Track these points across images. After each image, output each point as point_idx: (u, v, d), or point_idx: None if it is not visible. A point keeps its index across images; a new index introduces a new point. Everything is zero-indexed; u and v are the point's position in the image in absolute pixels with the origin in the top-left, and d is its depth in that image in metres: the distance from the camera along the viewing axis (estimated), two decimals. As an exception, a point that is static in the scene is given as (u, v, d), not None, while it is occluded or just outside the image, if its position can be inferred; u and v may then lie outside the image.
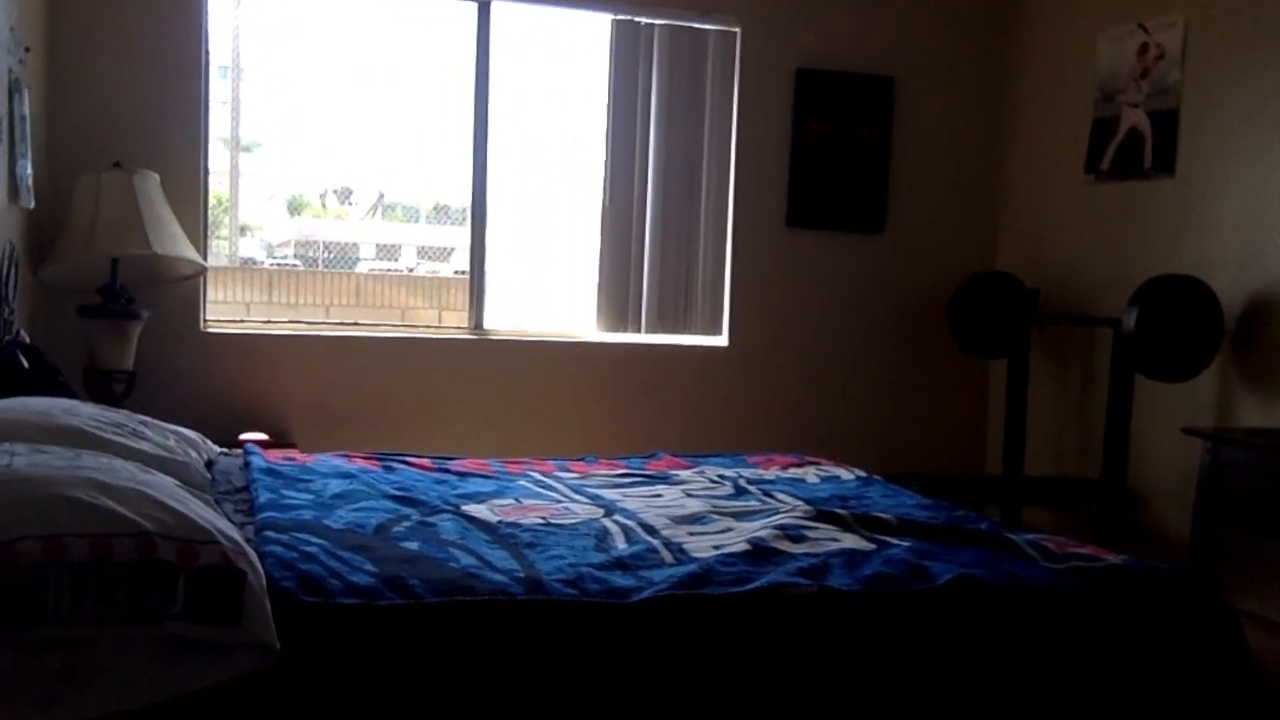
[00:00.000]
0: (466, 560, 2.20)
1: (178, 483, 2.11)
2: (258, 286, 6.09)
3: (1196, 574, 2.41)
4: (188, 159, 4.28)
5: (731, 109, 4.96)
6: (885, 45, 5.05)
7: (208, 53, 4.36)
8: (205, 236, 4.39)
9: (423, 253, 7.28)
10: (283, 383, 4.45)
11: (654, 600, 2.03)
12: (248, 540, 2.00)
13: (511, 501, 2.82)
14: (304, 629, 1.82)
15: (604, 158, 4.93)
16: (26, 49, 3.59)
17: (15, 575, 1.60)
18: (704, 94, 4.97)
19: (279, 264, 6.64)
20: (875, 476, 3.39)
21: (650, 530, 2.54)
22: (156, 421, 2.88)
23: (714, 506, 2.81)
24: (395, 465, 3.22)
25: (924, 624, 2.12)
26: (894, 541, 2.50)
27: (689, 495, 2.98)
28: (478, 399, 4.67)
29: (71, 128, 4.13)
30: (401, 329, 4.87)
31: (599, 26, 4.90)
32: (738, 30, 4.93)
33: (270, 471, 2.94)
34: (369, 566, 2.08)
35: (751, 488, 3.08)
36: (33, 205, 3.71)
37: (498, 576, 2.09)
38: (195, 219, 4.27)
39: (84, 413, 2.60)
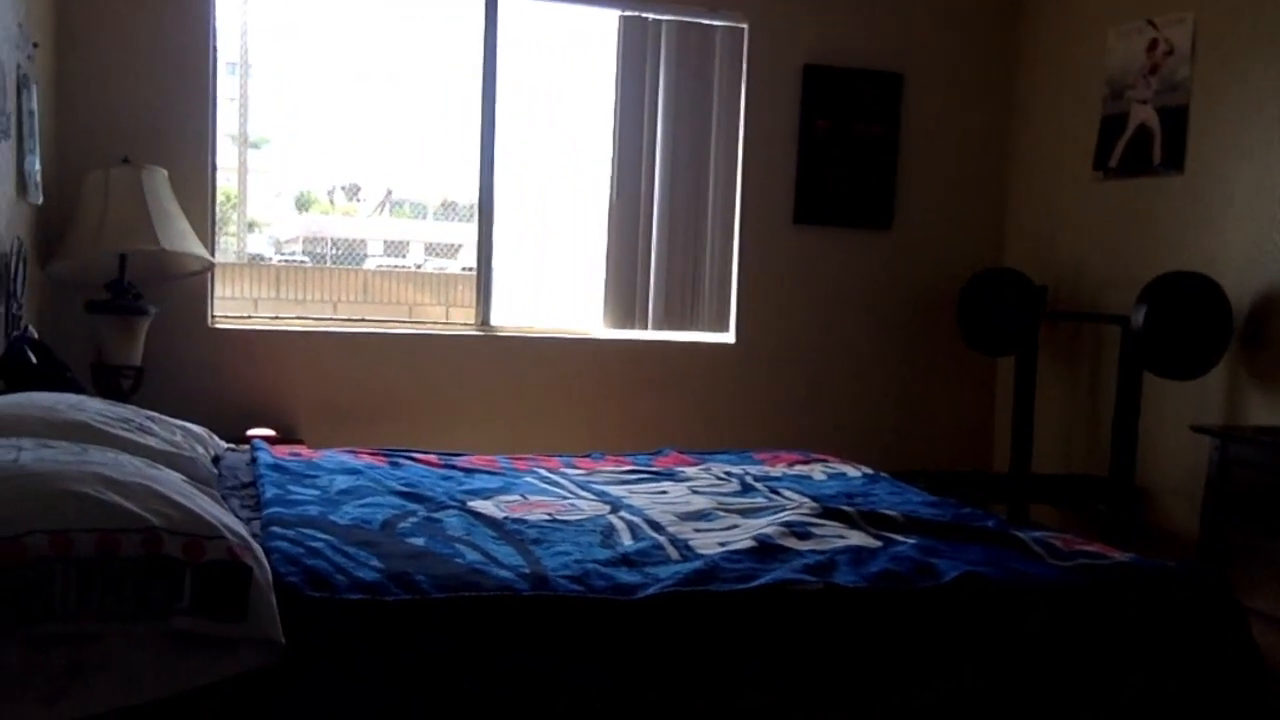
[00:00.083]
0: (472, 556, 2.20)
1: (184, 478, 2.11)
2: (265, 283, 6.11)
3: (1204, 572, 2.41)
4: (196, 155, 4.29)
5: (739, 105, 4.95)
6: (893, 41, 5.04)
7: (216, 49, 4.36)
8: (213, 233, 4.40)
9: (430, 249, 7.29)
10: (290, 379, 4.46)
11: (659, 597, 2.02)
12: (254, 536, 2.00)
13: (518, 498, 2.82)
14: (310, 624, 1.82)
15: (611, 154, 4.92)
16: (35, 45, 3.60)
17: (22, 570, 1.60)
18: (711, 90, 4.96)
19: (287, 260, 6.66)
20: (882, 474, 3.39)
21: (656, 527, 2.53)
22: (163, 417, 2.89)
23: (720, 503, 2.81)
24: (402, 461, 3.22)
25: (930, 621, 2.12)
26: (900, 539, 2.50)
27: (695, 492, 2.98)
28: (484, 395, 4.67)
29: (80, 124, 4.14)
30: (408, 325, 4.88)
31: (606, 23, 4.90)
32: (745, 26, 4.92)
33: (277, 467, 2.95)
34: (375, 562, 2.08)
35: (758, 484, 3.08)
36: (41, 201, 3.72)
37: (503, 572, 2.09)
38: (203, 215, 4.28)
39: (91, 408, 2.60)
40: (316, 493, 2.68)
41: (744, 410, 4.96)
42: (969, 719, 2.09)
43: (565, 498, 2.85)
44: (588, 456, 3.49)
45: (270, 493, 2.61)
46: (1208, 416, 3.98)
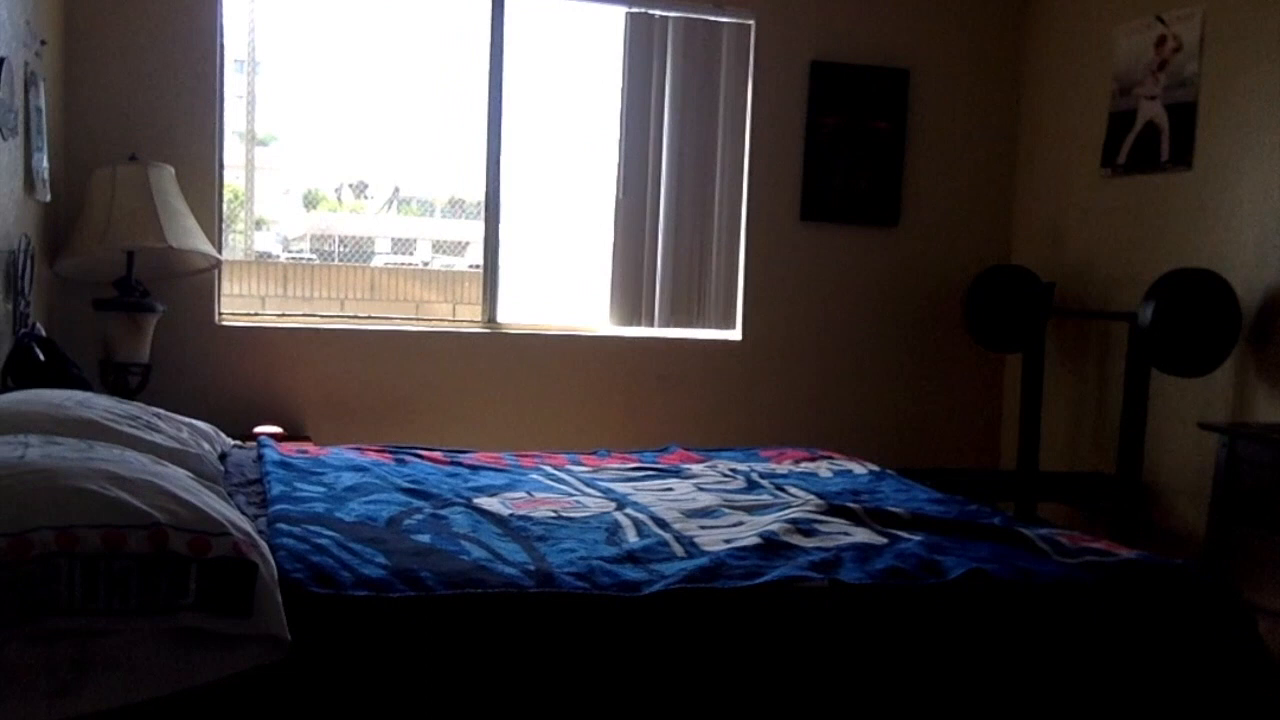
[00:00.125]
0: (478, 553, 2.20)
1: (191, 475, 2.12)
2: (273, 280, 6.12)
3: (1210, 569, 2.40)
4: (203, 153, 4.30)
5: (745, 102, 4.94)
6: (900, 38, 5.03)
7: (223, 46, 4.36)
8: (220, 230, 4.41)
9: (438, 246, 7.30)
10: (297, 376, 4.47)
11: (664, 593, 2.03)
12: (260, 532, 2.00)
13: (523, 495, 2.82)
14: (315, 621, 1.83)
15: (617, 151, 4.92)
16: (43, 42, 3.60)
17: (28, 566, 1.61)
18: (718, 87, 4.96)
19: (294, 258, 6.67)
20: (888, 471, 3.39)
21: (661, 524, 2.54)
22: (170, 414, 2.90)
23: (726, 500, 2.81)
24: (408, 458, 3.23)
25: (935, 618, 2.11)
26: (906, 536, 2.50)
27: (701, 489, 2.98)
28: (491, 393, 4.68)
29: (87, 121, 4.15)
30: (415, 323, 4.88)
31: (613, 20, 4.89)
32: (752, 23, 4.91)
33: (283, 464, 2.95)
34: (380, 559, 2.08)
35: (764, 482, 3.07)
36: (48, 198, 3.73)
37: (509, 569, 2.09)
38: (210, 212, 4.28)
39: (98, 405, 2.61)
40: (322, 489, 2.68)
41: (750, 407, 4.96)
42: (975, 716, 2.08)
43: (571, 495, 2.85)
44: (594, 453, 3.50)
45: (276, 489, 2.62)
46: (1215, 414, 3.97)
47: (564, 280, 5.58)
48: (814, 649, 2.03)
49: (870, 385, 5.10)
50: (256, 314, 4.75)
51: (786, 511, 2.66)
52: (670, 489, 2.99)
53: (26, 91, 3.40)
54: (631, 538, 2.42)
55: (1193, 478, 4.01)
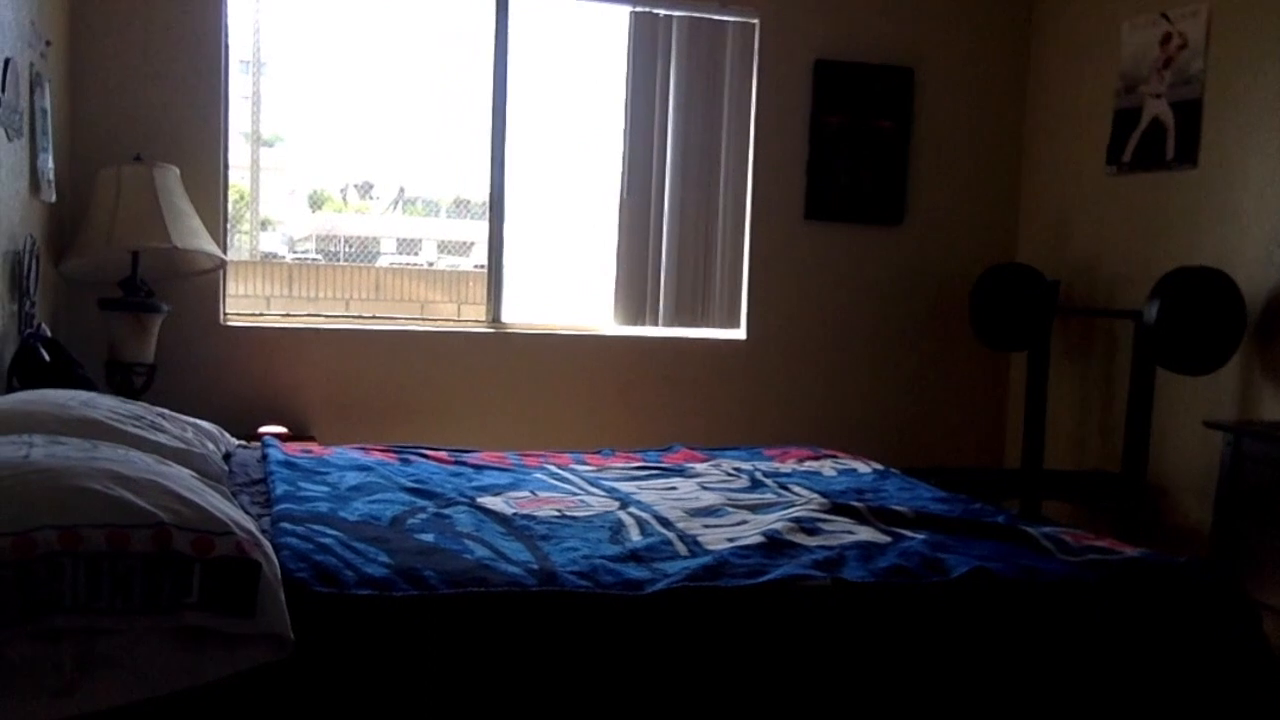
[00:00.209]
0: (481, 552, 2.20)
1: (195, 474, 2.12)
2: (278, 280, 6.12)
3: (1215, 568, 2.40)
4: (208, 153, 4.30)
5: (750, 101, 4.94)
6: (905, 36, 5.02)
7: (228, 47, 4.37)
8: (226, 230, 4.41)
9: (443, 247, 7.30)
10: (302, 376, 4.47)
11: (668, 592, 2.03)
12: (264, 532, 2.01)
13: (527, 494, 2.82)
14: (318, 620, 1.83)
15: (622, 151, 4.92)
16: (48, 43, 3.61)
17: (31, 564, 1.61)
18: (722, 86, 4.96)
19: (299, 258, 6.67)
20: (892, 470, 3.38)
21: (665, 523, 2.54)
22: (175, 414, 2.90)
23: (729, 499, 2.81)
24: (412, 458, 3.23)
25: (939, 617, 2.11)
26: (910, 534, 2.49)
27: (704, 488, 2.98)
28: (495, 392, 4.68)
29: (92, 122, 4.16)
30: (420, 323, 4.88)
31: (617, 19, 4.89)
32: (756, 22, 4.91)
33: (287, 464, 2.96)
34: (384, 558, 2.09)
35: (767, 481, 3.07)
36: (54, 199, 3.74)
37: (512, 568, 2.09)
38: (215, 213, 4.29)
39: (103, 405, 2.61)
40: (326, 489, 2.69)
41: (755, 407, 4.95)
42: (979, 715, 2.08)
43: (575, 494, 2.85)
44: (598, 453, 3.50)
45: (280, 489, 2.62)
46: (1220, 412, 3.96)
47: (568, 280, 5.58)
48: (817, 648, 2.03)
49: (875, 384, 5.10)
50: (261, 314, 4.75)
51: (790, 510, 2.66)
52: (674, 488, 2.99)
53: (32, 92, 3.41)
54: (635, 537, 2.42)
55: (1198, 476, 4.00)
